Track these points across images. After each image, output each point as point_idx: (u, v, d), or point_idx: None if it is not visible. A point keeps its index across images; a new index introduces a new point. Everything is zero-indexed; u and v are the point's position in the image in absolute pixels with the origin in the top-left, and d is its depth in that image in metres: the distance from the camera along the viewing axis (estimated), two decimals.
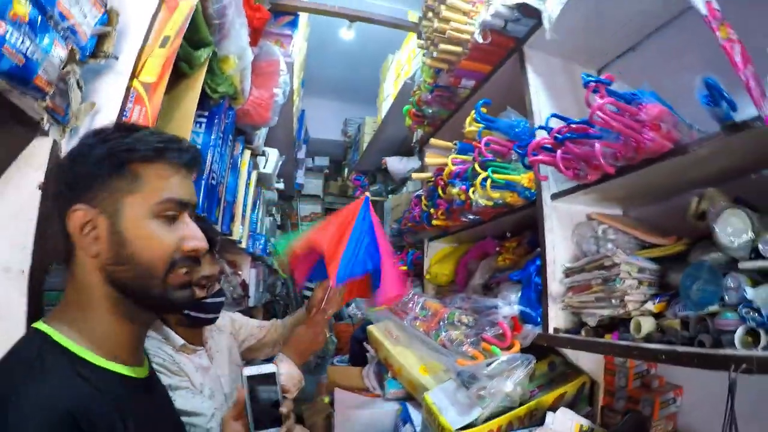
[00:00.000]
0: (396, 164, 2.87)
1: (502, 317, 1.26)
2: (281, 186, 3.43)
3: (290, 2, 2.19)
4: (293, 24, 2.20)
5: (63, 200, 0.60)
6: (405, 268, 2.58)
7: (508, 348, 1.23)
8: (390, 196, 3.08)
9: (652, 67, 1.22)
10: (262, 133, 2.33)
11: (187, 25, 1.04)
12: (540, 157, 0.96)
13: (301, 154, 4.22)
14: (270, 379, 0.80)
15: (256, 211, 2.84)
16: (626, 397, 1.16)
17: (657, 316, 0.98)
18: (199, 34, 1.18)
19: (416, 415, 1.27)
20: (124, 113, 0.97)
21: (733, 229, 0.82)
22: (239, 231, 2.10)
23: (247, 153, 2.19)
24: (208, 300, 1.22)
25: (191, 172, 0.67)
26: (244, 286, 2.47)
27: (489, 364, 1.14)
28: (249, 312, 2.95)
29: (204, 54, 1.23)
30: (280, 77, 2.00)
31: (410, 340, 1.45)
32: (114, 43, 0.90)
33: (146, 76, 1.00)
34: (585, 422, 1.03)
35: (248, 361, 1.49)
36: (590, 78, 0.82)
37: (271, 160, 2.64)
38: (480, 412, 1.03)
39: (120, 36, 0.93)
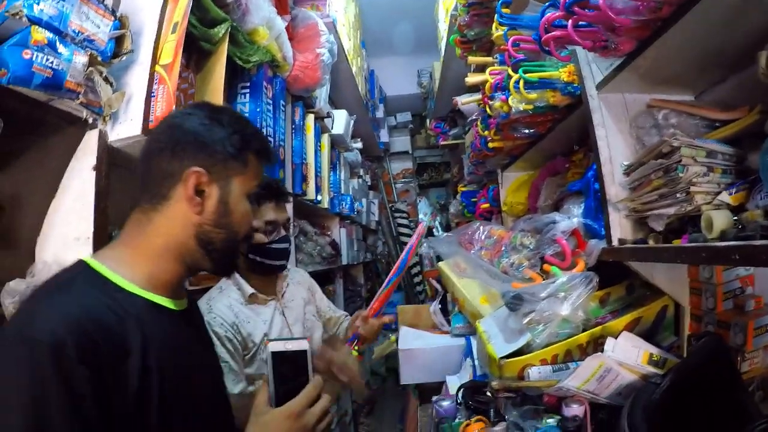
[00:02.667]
0: (464, 101, 2.70)
1: (561, 233, 1.13)
2: (359, 146, 3.49)
3: None
4: None
5: (174, 156, 0.68)
6: (487, 205, 2.47)
7: (570, 267, 1.11)
8: (468, 134, 2.94)
9: None
10: (322, 95, 2.38)
11: (191, 8, 1.12)
12: (553, 33, 0.82)
13: (379, 114, 4.23)
14: (300, 358, 0.70)
15: (337, 172, 2.95)
16: (715, 322, 0.94)
17: (737, 210, 0.78)
18: (210, 14, 1.26)
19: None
20: (152, 93, 1.10)
21: None
22: (314, 191, 2.21)
23: (311, 116, 2.27)
24: (273, 245, 1.29)
25: None
26: (334, 245, 2.61)
27: (547, 287, 1.04)
28: (345, 270, 3.14)
29: (221, 30, 1.30)
30: (321, 37, 2.01)
31: (475, 271, 1.40)
32: (130, 42, 1.03)
33: (164, 60, 1.13)
34: (655, 350, 0.86)
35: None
36: None
37: (340, 122, 2.69)
38: (528, 338, 0.95)
39: (139, 33, 1.07)
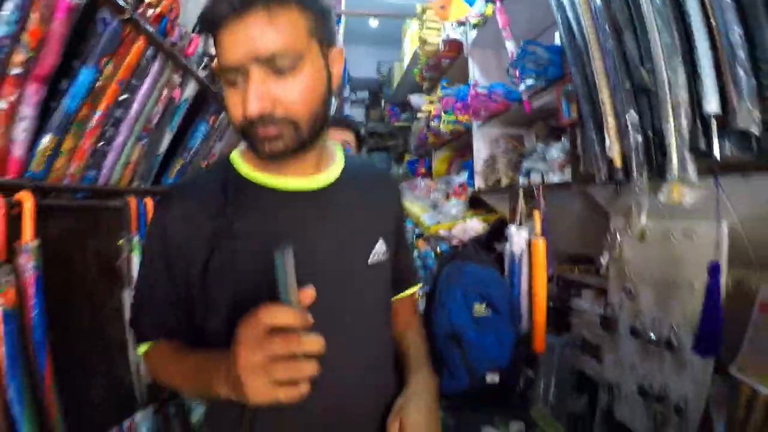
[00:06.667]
0: (416, 100, 4.11)
1: (457, 184, 2.67)
2: None
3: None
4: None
5: None
6: (424, 170, 3.99)
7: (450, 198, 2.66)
8: (414, 122, 4.40)
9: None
10: None
11: None
12: (461, 110, 2.30)
13: (345, 93, 5.52)
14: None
15: None
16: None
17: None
18: None
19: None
20: None
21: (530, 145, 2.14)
22: None
23: None
24: None
25: (245, 15, 0.56)
26: None
27: (450, 204, 2.58)
28: None
29: None
30: None
31: (417, 200, 2.92)
32: None
33: None
34: (487, 225, 2.46)
35: None
36: (470, 85, 2.13)
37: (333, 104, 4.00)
38: (439, 219, 2.48)
39: None
